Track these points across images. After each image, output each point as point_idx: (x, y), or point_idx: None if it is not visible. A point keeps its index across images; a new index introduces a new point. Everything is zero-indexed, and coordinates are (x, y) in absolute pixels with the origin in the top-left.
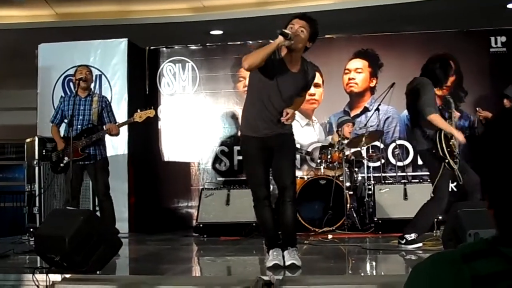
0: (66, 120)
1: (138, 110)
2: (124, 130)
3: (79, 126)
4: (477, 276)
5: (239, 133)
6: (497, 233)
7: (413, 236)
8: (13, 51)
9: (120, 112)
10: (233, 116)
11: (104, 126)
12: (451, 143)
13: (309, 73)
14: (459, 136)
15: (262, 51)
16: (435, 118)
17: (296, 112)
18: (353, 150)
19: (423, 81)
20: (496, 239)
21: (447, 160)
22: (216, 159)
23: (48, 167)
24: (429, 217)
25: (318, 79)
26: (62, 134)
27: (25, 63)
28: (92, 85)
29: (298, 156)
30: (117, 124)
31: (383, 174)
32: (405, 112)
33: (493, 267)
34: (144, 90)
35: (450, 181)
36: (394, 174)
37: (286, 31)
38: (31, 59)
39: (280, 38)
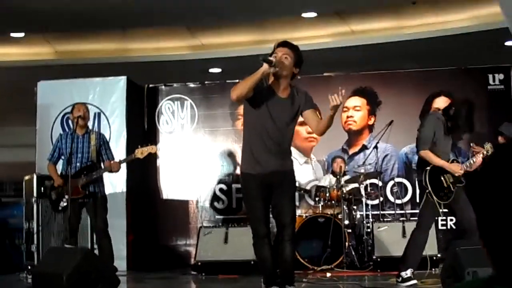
0: (63, 158)
1: (139, 146)
2: (122, 167)
3: (78, 164)
4: None
5: (237, 171)
6: (493, 272)
7: (408, 273)
8: (12, 88)
9: (119, 149)
10: (232, 154)
11: (103, 163)
12: (442, 177)
13: (299, 96)
14: (454, 168)
15: (249, 80)
16: (426, 155)
17: (294, 149)
18: (351, 187)
19: (429, 117)
20: (492, 278)
21: (427, 190)
22: (215, 197)
23: (47, 205)
24: (417, 248)
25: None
26: (59, 171)
27: (24, 100)
28: (90, 123)
29: (296, 194)
30: (119, 161)
31: (382, 212)
32: (404, 150)
33: None
34: (142, 127)
35: (435, 211)
36: (393, 212)
37: (269, 58)
38: (31, 96)
39: (265, 66)
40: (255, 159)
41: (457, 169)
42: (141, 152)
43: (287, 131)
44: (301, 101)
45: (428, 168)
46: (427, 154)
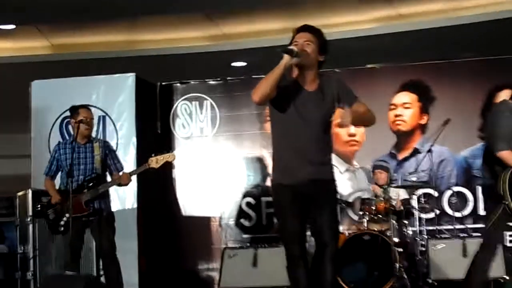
0: (62, 171)
1: (153, 155)
2: (133, 180)
3: (80, 177)
4: None
5: (267, 182)
6: None
7: None
8: (2, 88)
9: (128, 159)
10: (260, 162)
11: (111, 176)
12: None
13: (331, 86)
14: None
15: (269, 77)
16: (506, 156)
17: (334, 155)
18: (401, 198)
19: (501, 107)
20: None
21: (506, 202)
22: (241, 213)
23: (44, 225)
24: (482, 270)
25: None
26: (58, 186)
27: (16, 102)
28: (94, 130)
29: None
30: (129, 172)
31: (438, 227)
32: (463, 153)
33: None
34: (155, 133)
35: (507, 227)
36: (451, 227)
37: (289, 47)
38: (23, 98)
39: (286, 57)
40: (287, 167)
41: None
42: (156, 161)
43: (322, 131)
44: (334, 90)
45: (503, 174)
46: (509, 155)
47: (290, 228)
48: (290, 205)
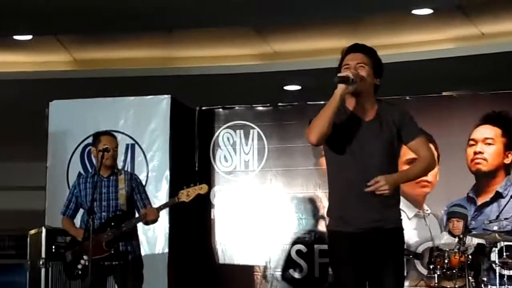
0: (82, 209)
1: (185, 187)
2: (163, 219)
3: (103, 213)
4: None
5: (322, 227)
6: None
7: None
8: (16, 109)
9: (160, 195)
10: (314, 203)
11: (138, 213)
12: None
13: (389, 112)
14: None
15: (324, 112)
16: None
17: (401, 198)
18: (479, 250)
19: None
20: None
21: None
22: (290, 263)
23: (59, 269)
24: None
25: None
26: (78, 225)
27: (31, 125)
28: (120, 159)
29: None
30: (156, 207)
31: None
32: None
33: None
34: (192, 165)
35: None
36: None
37: (344, 74)
38: (40, 120)
39: (341, 86)
40: (343, 211)
41: None
42: (187, 194)
43: (386, 168)
44: (393, 117)
45: None
46: None
47: (345, 282)
48: (347, 255)
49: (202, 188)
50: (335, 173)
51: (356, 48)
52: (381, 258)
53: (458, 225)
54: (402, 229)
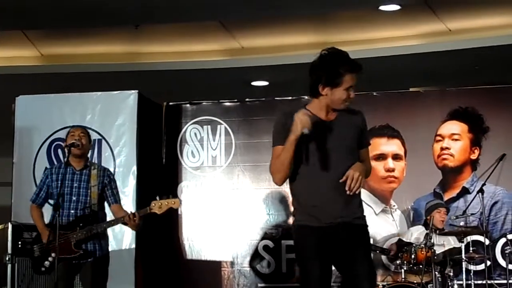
0: (51, 201)
1: (157, 198)
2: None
3: (72, 211)
4: None
5: (289, 222)
6: None
7: None
8: None
9: (127, 191)
10: (282, 199)
11: (110, 207)
12: None
13: (356, 116)
14: None
15: (284, 156)
16: None
17: (367, 193)
18: (446, 246)
19: None
20: None
21: None
22: (257, 258)
23: (27, 265)
24: None
25: (399, 149)
26: (47, 220)
27: None
28: (89, 154)
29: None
30: (138, 212)
31: (489, 282)
32: None
33: None
34: (159, 161)
35: None
36: (505, 281)
37: (307, 132)
38: (6, 116)
39: (297, 133)
40: (310, 205)
41: None
42: (159, 206)
43: (350, 163)
44: (357, 119)
45: None
46: None
47: (312, 277)
48: (314, 250)
49: (175, 203)
50: (299, 166)
51: (359, 69)
52: (350, 250)
53: (443, 215)
54: (366, 224)
